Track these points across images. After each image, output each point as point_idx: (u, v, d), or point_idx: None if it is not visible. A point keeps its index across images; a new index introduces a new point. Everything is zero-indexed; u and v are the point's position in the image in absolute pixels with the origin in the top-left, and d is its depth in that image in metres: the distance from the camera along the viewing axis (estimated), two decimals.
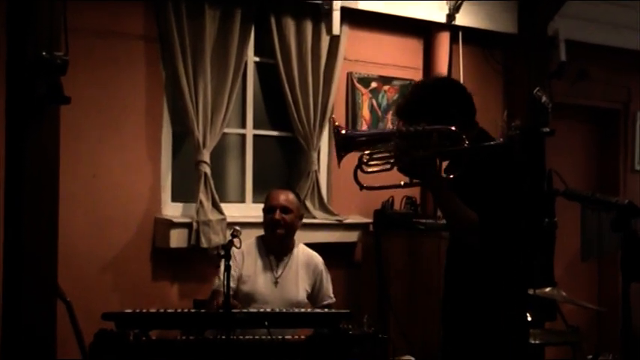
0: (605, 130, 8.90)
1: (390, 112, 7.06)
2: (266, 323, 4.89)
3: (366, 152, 3.78)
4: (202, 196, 6.10)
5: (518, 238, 3.82)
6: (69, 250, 5.61)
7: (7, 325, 5.26)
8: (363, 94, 7.02)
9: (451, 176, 3.77)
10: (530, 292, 4.44)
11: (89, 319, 5.12)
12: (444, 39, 7.26)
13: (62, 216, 5.39)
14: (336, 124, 3.81)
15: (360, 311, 5.50)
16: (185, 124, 6.15)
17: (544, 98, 7.12)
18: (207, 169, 6.14)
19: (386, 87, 7.14)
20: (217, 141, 6.26)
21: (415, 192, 6.82)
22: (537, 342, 5.81)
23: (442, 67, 7.20)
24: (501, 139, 3.78)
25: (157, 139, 6.19)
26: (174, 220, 6.12)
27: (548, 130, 7.21)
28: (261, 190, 6.47)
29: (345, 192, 6.70)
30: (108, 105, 5.98)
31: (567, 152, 8.31)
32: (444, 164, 3.87)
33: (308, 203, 6.61)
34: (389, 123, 7.10)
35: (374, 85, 7.09)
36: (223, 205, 6.24)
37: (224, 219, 6.17)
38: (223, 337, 4.67)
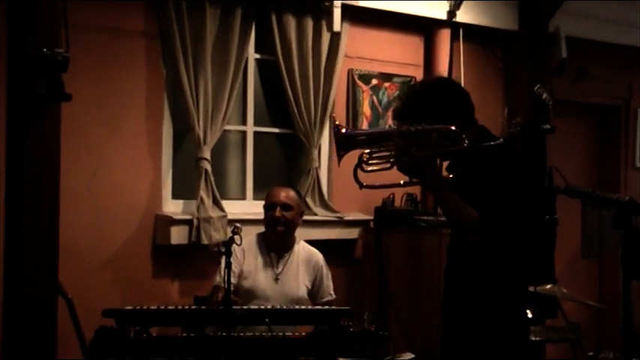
0: (605, 127, 8.90)
1: (391, 109, 7.06)
2: (267, 320, 4.89)
3: (366, 151, 3.78)
4: (203, 193, 6.10)
5: (519, 237, 3.82)
6: (70, 247, 5.61)
7: (8, 322, 5.26)
8: (363, 91, 7.02)
9: (451, 175, 3.77)
10: (531, 289, 4.44)
11: (90, 316, 5.13)
12: (444, 36, 7.26)
13: (63, 213, 5.40)
14: (336, 123, 3.82)
15: (360, 308, 5.51)
16: (186, 121, 6.15)
17: (545, 95, 7.12)
18: (208, 166, 6.14)
19: (386, 84, 7.13)
20: (218, 138, 6.26)
21: (416, 189, 6.81)
22: (538, 339, 5.82)
23: (443, 65, 7.19)
24: (501, 139, 3.75)
25: (157, 136, 6.19)
26: (175, 216, 6.12)
27: (548, 127, 7.22)
28: (262, 187, 6.47)
29: (346, 189, 6.69)
30: (108, 102, 5.98)
31: (568, 149, 8.31)
32: (445, 163, 3.87)
33: (309, 200, 6.61)
34: (389, 120, 7.09)
35: (374, 82, 7.09)
36: (224, 202, 6.24)
37: (225, 216, 6.17)
38: (224, 333, 4.67)
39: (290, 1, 6.53)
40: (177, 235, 6.09)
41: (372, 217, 6.66)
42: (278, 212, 5.57)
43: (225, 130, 6.41)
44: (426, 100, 3.89)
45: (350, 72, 6.96)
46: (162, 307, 5.05)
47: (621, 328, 3.69)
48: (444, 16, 7.16)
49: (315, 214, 6.63)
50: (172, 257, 6.20)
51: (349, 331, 5.00)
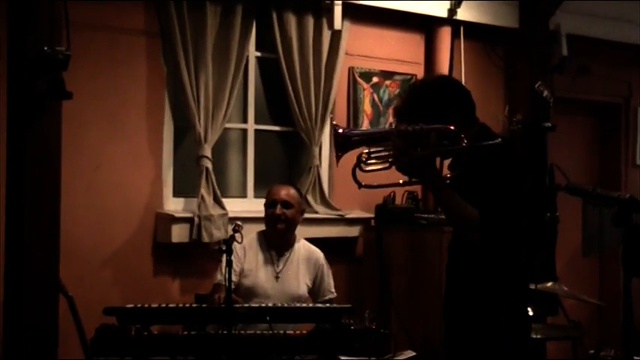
0: (606, 125, 8.90)
1: (391, 108, 7.06)
2: (268, 318, 4.90)
3: (365, 151, 3.78)
4: (204, 191, 6.10)
5: (519, 234, 3.82)
6: (71, 245, 5.61)
7: (9, 320, 5.26)
8: (364, 89, 7.02)
9: (448, 175, 3.78)
10: (532, 286, 4.45)
11: (91, 314, 5.13)
12: (445, 34, 7.26)
13: (64, 211, 5.39)
14: (334, 122, 3.82)
15: (361, 306, 5.51)
16: (186, 119, 6.15)
17: (545, 93, 7.12)
18: (209, 164, 6.14)
19: (387, 82, 7.13)
20: (219, 136, 6.26)
21: (416, 187, 6.80)
22: (539, 337, 5.82)
23: (443, 62, 7.20)
24: (499, 139, 3.74)
25: (158, 134, 6.19)
26: (176, 215, 6.12)
27: (549, 125, 7.22)
28: (263, 185, 6.47)
29: (347, 187, 6.63)
30: (109, 100, 5.98)
31: (569, 147, 8.31)
32: (446, 162, 3.88)
33: (309, 198, 6.61)
34: (390, 118, 7.09)
35: (375, 79, 7.08)
36: (225, 200, 6.24)
37: (225, 214, 6.17)
38: (225, 332, 4.68)
39: None
40: (178, 233, 6.09)
41: (372, 215, 6.66)
42: (278, 210, 5.58)
43: (225, 128, 6.41)
44: (426, 99, 3.89)
45: (351, 70, 6.96)
46: (163, 305, 5.05)
47: (622, 326, 3.69)
48: (444, 14, 7.16)
49: (316, 212, 6.63)
50: (173, 255, 6.20)
51: (350, 329, 5.00)
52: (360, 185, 3.78)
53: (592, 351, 5.64)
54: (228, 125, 6.44)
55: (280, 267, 5.62)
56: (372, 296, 6.15)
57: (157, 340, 4.93)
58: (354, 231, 6.90)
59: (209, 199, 6.12)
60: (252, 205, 6.55)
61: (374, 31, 7.11)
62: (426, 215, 6.58)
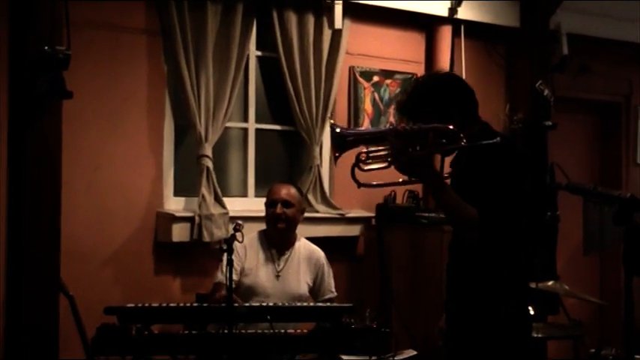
0: (607, 124, 8.90)
1: (392, 106, 7.06)
2: (268, 317, 4.90)
3: (364, 150, 3.77)
4: (204, 190, 6.10)
5: (519, 233, 3.82)
6: (71, 244, 5.61)
7: (10, 320, 5.27)
8: (365, 88, 7.02)
9: (447, 174, 3.78)
10: (533, 285, 4.45)
11: (91, 314, 5.13)
12: (446, 33, 7.26)
13: (64, 210, 5.40)
14: (332, 121, 3.82)
15: (362, 305, 5.51)
16: (187, 118, 6.15)
17: (546, 92, 7.12)
18: (210, 163, 6.14)
19: (388, 81, 7.13)
20: (219, 135, 6.26)
21: (417, 186, 6.81)
22: (539, 336, 5.81)
23: (444, 61, 7.19)
24: (498, 138, 3.73)
25: (159, 133, 6.19)
26: (177, 214, 6.12)
27: (550, 123, 7.22)
28: (264, 185, 6.47)
29: (348, 186, 6.61)
30: (110, 99, 5.98)
31: (569, 146, 8.31)
32: (448, 159, 3.87)
33: (310, 197, 6.61)
34: (391, 117, 7.10)
35: (376, 78, 7.08)
36: (225, 200, 6.24)
37: (226, 213, 6.17)
38: (226, 331, 4.68)
39: None
40: (179, 233, 6.09)
41: (373, 214, 6.65)
42: (279, 209, 5.58)
43: (226, 127, 6.41)
44: (428, 95, 3.89)
45: (351, 69, 6.95)
46: (164, 305, 5.05)
47: (623, 325, 3.69)
48: (445, 13, 7.16)
49: (317, 211, 6.63)
50: (174, 254, 6.20)
51: (351, 328, 5.00)
52: (359, 184, 3.78)
53: (593, 350, 5.64)
54: (228, 124, 6.44)
55: (281, 266, 5.62)
56: (373, 295, 6.14)
57: (157, 339, 4.93)
58: (354, 230, 6.90)
59: (210, 199, 6.12)
60: (252, 205, 6.55)
61: (375, 30, 7.11)
62: (427, 214, 6.58)
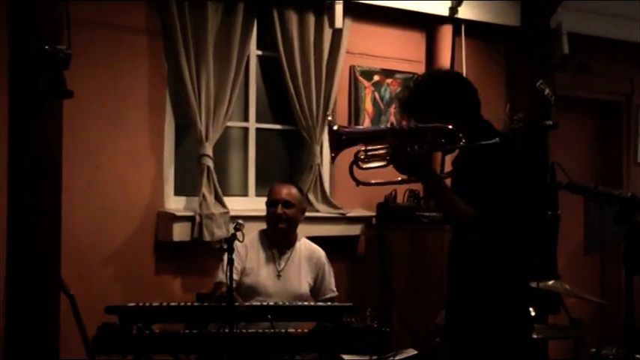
0: (607, 123, 8.89)
1: (393, 106, 7.06)
2: (269, 316, 4.90)
3: (362, 149, 3.77)
4: (205, 190, 6.10)
5: (518, 232, 3.81)
6: (72, 244, 5.61)
7: (10, 319, 5.27)
8: (365, 88, 7.02)
9: (445, 173, 3.77)
10: (534, 285, 4.44)
11: (92, 313, 5.13)
12: (446, 32, 7.25)
13: (65, 210, 5.40)
14: (329, 119, 3.81)
15: (363, 304, 5.51)
16: (188, 118, 6.15)
17: (547, 91, 7.11)
18: (210, 163, 6.14)
19: (388, 80, 7.13)
20: (220, 134, 6.26)
21: (418, 185, 6.79)
22: (540, 336, 5.82)
23: (445, 61, 7.19)
24: (497, 139, 3.72)
25: (159, 132, 6.19)
26: (177, 213, 6.12)
27: (551, 123, 7.21)
28: (264, 184, 6.47)
29: (348, 185, 6.59)
30: (110, 98, 5.98)
31: (570, 145, 8.30)
32: (449, 159, 3.87)
33: (311, 197, 6.61)
34: (392, 116, 7.10)
35: (376, 78, 7.08)
36: (226, 199, 6.24)
37: (227, 212, 6.17)
38: (226, 330, 4.68)
39: None
40: (180, 232, 6.09)
41: (374, 214, 6.64)
42: (279, 210, 5.58)
43: (227, 127, 6.41)
44: (429, 92, 3.88)
45: (352, 68, 6.95)
46: (165, 304, 5.05)
47: (624, 324, 3.69)
48: (445, 13, 7.16)
49: (318, 211, 6.63)
50: (175, 254, 6.20)
51: (352, 328, 5.01)
52: (357, 182, 3.78)
53: (594, 349, 5.64)
54: (229, 124, 6.44)
55: (282, 266, 5.62)
56: (374, 295, 6.13)
57: (158, 338, 4.93)
58: (355, 229, 6.90)
59: (210, 198, 6.12)
60: (253, 204, 6.55)
61: (375, 29, 7.10)
62: (428, 214, 6.58)
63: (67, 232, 5.44)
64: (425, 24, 7.31)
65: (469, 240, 3.77)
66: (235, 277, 5.29)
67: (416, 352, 5.16)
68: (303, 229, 5.82)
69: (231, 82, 6.27)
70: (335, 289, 5.76)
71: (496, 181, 3.70)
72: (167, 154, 6.23)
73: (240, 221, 4.82)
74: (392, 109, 7.08)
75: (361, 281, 6.76)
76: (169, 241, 6.10)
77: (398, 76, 7.16)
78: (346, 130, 3.81)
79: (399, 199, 6.75)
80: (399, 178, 3.83)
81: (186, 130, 6.30)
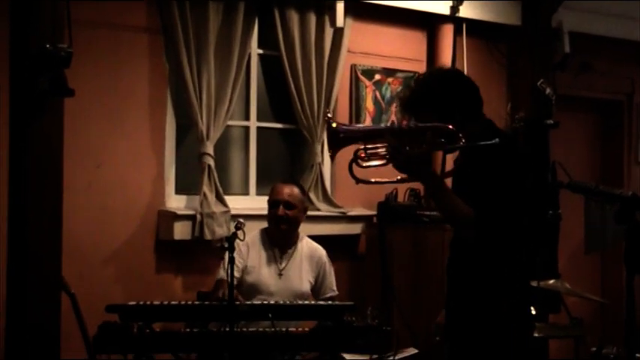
0: (608, 122, 8.89)
1: (394, 105, 7.06)
2: (270, 315, 4.90)
3: (362, 147, 3.76)
4: (206, 189, 6.10)
5: (518, 231, 3.81)
6: (73, 243, 5.61)
7: (12, 318, 5.27)
8: (366, 87, 7.02)
9: (442, 174, 3.77)
10: (534, 284, 4.45)
11: (93, 312, 5.13)
12: (447, 31, 7.25)
13: (66, 208, 5.40)
14: (328, 116, 3.80)
15: (364, 303, 5.51)
16: (189, 117, 6.15)
17: (548, 90, 7.11)
18: (211, 162, 6.14)
19: (390, 79, 7.13)
20: (221, 133, 6.26)
21: (418, 184, 6.79)
22: (541, 335, 5.81)
23: (446, 60, 7.19)
24: (497, 139, 3.70)
25: (160, 131, 6.19)
26: (178, 212, 6.12)
27: (552, 122, 7.21)
28: (265, 183, 6.48)
29: (349, 184, 6.60)
30: (111, 97, 5.98)
31: (571, 144, 8.30)
32: (450, 156, 3.87)
33: (312, 195, 6.60)
34: (393, 115, 7.10)
35: (378, 77, 7.08)
36: (227, 198, 6.24)
37: (228, 211, 6.17)
38: (227, 329, 4.68)
39: None
40: (181, 231, 6.09)
41: (375, 213, 6.65)
42: (281, 211, 5.58)
43: (228, 126, 6.41)
44: (430, 91, 3.88)
45: (353, 67, 6.95)
46: (166, 303, 5.05)
47: (624, 324, 3.69)
48: (447, 12, 7.16)
49: (318, 210, 6.63)
50: (175, 253, 6.20)
51: (352, 327, 5.01)
52: (357, 181, 3.78)
53: (594, 349, 5.64)
54: (230, 123, 6.44)
55: (283, 264, 5.62)
56: (375, 293, 6.13)
57: (159, 337, 4.94)
58: (356, 228, 6.90)
59: (211, 197, 6.12)
60: (254, 203, 6.55)
61: (376, 28, 7.10)
62: (429, 212, 6.58)
63: (68, 232, 5.44)
64: (426, 23, 7.31)
65: (468, 240, 3.77)
66: (237, 274, 5.29)
67: (416, 350, 5.17)
68: (304, 228, 5.82)
69: (232, 81, 6.27)
70: (335, 288, 5.76)
71: (496, 180, 3.69)
72: (168, 153, 6.23)
73: (241, 220, 4.82)
74: (393, 108, 7.08)
75: (362, 280, 6.76)
76: (170, 240, 6.10)
77: (399, 75, 7.16)
78: (344, 128, 3.79)
79: (400, 198, 6.75)
80: (399, 177, 3.82)
81: (187, 129, 6.30)
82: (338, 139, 3.72)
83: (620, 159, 8.78)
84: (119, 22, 5.99)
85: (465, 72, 7.10)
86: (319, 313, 5.19)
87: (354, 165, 3.76)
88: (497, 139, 3.68)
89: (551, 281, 5.99)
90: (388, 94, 7.10)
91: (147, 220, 6.11)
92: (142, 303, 4.96)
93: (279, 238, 5.66)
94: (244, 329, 4.99)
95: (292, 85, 6.56)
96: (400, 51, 7.23)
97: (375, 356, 4.89)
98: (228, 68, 6.24)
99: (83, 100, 5.52)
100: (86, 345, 5.23)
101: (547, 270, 6.49)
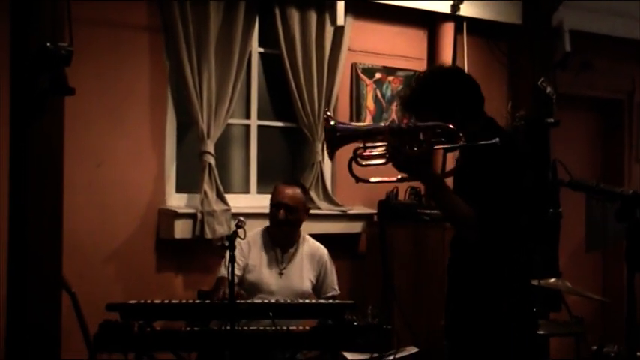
0: (609, 120, 8.89)
1: (395, 103, 7.06)
2: (270, 314, 4.90)
3: (361, 146, 3.74)
4: (207, 187, 6.10)
5: (519, 230, 3.81)
6: (73, 242, 5.61)
7: (12, 316, 5.27)
8: (367, 85, 7.02)
9: (443, 173, 3.77)
10: (535, 282, 4.44)
11: (94, 310, 5.13)
12: (448, 30, 7.25)
13: (66, 207, 5.40)
14: (328, 114, 3.78)
15: (364, 302, 5.51)
16: (189, 115, 6.15)
17: (548, 89, 7.11)
18: (212, 160, 6.14)
19: (390, 78, 7.13)
20: (221, 132, 6.26)
21: (419, 183, 6.80)
22: (542, 332, 5.81)
23: (446, 58, 7.19)
24: (497, 139, 3.68)
25: (161, 129, 6.18)
26: (179, 210, 6.12)
27: (552, 120, 7.21)
28: (266, 181, 6.48)
29: (350, 183, 6.56)
30: (112, 96, 5.98)
31: (572, 143, 8.30)
32: (451, 156, 3.86)
33: (312, 194, 6.60)
34: (394, 114, 7.09)
35: (378, 75, 7.08)
36: (227, 196, 6.24)
37: (228, 210, 6.17)
38: (228, 327, 4.68)
39: None
40: (181, 229, 6.09)
41: (375, 211, 6.66)
42: (281, 215, 5.57)
43: (228, 124, 6.41)
44: (431, 89, 3.87)
45: (353, 66, 6.95)
46: (166, 301, 5.05)
47: (625, 322, 3.69)
48: (447, 10, 7.16)
49: (319, 208, 6.62)
50: (176, 251, 6.20)
51: (353, 325, 5.00)
52: (357, 180, 3.76)
53: (595, 347, 5.64)
54: (230, 121, 6.44)
55: (284, 263, 5.62)
56: (375, 292, 6.14)
57: (160, 335, 4.94)
58: (356, 227, 6.90)
59: (212, 195, 6.12)
60: (254, 201, 6.55)
61: (377, 27, 7.10)
62: (429, 211, 6.58)
63: (68, 231, 5.44)
64: (427, 21, 7.31)
65: (469, 240, 3.76)
66: (238, 272, 5.29)
67: (417, 349, 5.16)
68: (304, 227, 5.81)
69: (232, 79, 6.27)
70: (337, 287, 5.75)
71: (496, 180, 3.68)
72: (168, 151, 6.23)
73: (242, 218, 4.82)
74: (394, 107, 7.08)
75: (362, 279, 6.76)
76: (171, 239, 6.10)
77: (400, 73, 7.16)
78: (341, 126, 3.75)
79: (401, 197, 6.75)
80: (399, 177, 3.80)
81: (187, 127, 6.30)
82: (335, 138, 3.69)
83: (621, 157, 8.78)
84: (119, 21, 5.99)
85: (466, 71, 7.11)
86: (320, 311, 5.19)
87: (353, 164, 3.74)
88: (497, 139, 3.66)
89: (552, 280, 5.99)
90: (389, 93, 7.10)
91: (147, 219, 6.11)
92: (142, 302, 4.96)
93: (281, 237, 5.65)
94: (245, 328, 4.98)
95: (293, 84, 6.56)
96: (401, 49, 7.23)
97: (375, 355, 4.89)
98: (228, 67, 6.24)
99: (83, 98, 5.52)
100: (87, 344, 5.24)
101: (548, 268, 6.49)
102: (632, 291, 3.63)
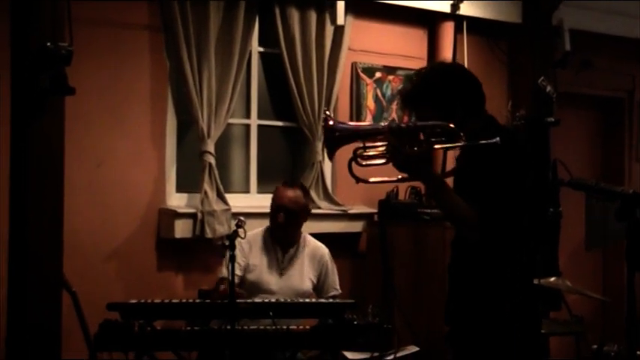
0: (609, 119, 8.89)
1: (395, 103, 7.06)
2: (271, 313, 4.90)
3: (361, 146, 3.73)
4: (207, 187, 6.10)
5: (520, 230, 3.80)
6: (74, 241, 5.61)
7: (13, 316, 5.27)
8: (367, 84, 7.02)
9: (443, 173, 3.76)
10: (535, 281, 4.44)
11: (94, 310, 5.14)
12: (448, 29, 7.25)
13: (67, 206, 5.40)
14: (327, 113, 3.77)
15: (364, 301, 5.51)
16: (189, 115, 6.15)
17: (548, 88, 7.10)
18: (212, 160, 6.14)
19: (390, 77, 7.13)
20: (222, 131, 6.26)
21: (419, 182, 6.80)
22: (542, 332, 5.81)
23: (447, 57, 7.17)
24: (497, 138, 3.67)
25: (161, 129, 6.19)
26: (179, 210, 6.12)
27: (552, 119, 7.20)
28: (266, 181, 6.48)
29: (350, 182, 6.56)
30: (112, 95, 5.98)
31: (572, 142, 8.30)
32: (452, 155, 3.85)
33: (313, 193, 6.60)
34: (394, 113, 7.09)
35: (378, 75, 7.08)
36: (228, 196, 6.24)
37: (229, 209, 6.17)
38: (228, 327, 4.68)
39: None
40: (182, 229, 6.09)
41: (376, 211, 6.66)
42: (281, 218, 5.56)
43: (228, 124, 6.41)
44: (431, 86, 3.85)
45: (354, 65, 6.95)
46: (167, 301, 5.06)
47: (625, 321, 3.68)
48: (447, 9, 7.16)
49: (319, 208, 6.62)
50: (176, 251, 6.20)
51: (353, 324, 5.01)
52: (357, 179, 3.75)
53: (595, 346, 5.64)
54: (231, 121, 6.45)
55: (285, 263, 5.62)
56: (375, 291, 6.13)
57: (160, 335, 4.94)
58: (357, 226, 6.90)
59: (212, 195, 6.12)
60: (255, 201, 6.55)
61: (377, 26, 7.10)
62: (430, 210, 6.57)
63: (68, 230, 5.44)
64: (427, 21, 7.31)
65: (470, 240, 3.75)
66: (239, 272, 5.30)
67: (417, 348, 5.16)
68: (305, 226, 5.81)
69: (232, 78, 6.27)
70: (338, 287, 5.75)
71: (498, 179, 3.67)
72: (169, 150, 6.23)
73: (242, 218, 4.82)
74: (394, 106, 7.08)
75: (363, 278, 6.76)
76: (171, 238, 6.10)
77: (400, 72, 7.16)
78: (340, 126, 3.74)
79: (401, 196, 6.75)
80: (399, 177, 3.79)
81: (188, 127, 6.30)
82: (335, 138, 3.68)
83: (621, 156, 8.78)
84: (120, 20, 5.99)
85: None
86: (320, 311, 5.19)
87: (353, 164, 3.73)
88: (497, 138, 3.65)
89: (552, 279, 5.98)
90: (389, 92, 7.10)
91: (148, 219, 6.11)
92: (143, 301, 4.97)
93: (281, 237, 5.65)
94: (245, 327, 4.99)
95: (293, 83, 6.56)
96: (401, 49, 7.23)
97: (375, 354, 4.89)
98: (228, 66, 6.25)
99: (84, 98, 5.51)
100: (87, 343, 5.24)
101: (548, 267, 6.48)
102: (633, 290, 3.63)
